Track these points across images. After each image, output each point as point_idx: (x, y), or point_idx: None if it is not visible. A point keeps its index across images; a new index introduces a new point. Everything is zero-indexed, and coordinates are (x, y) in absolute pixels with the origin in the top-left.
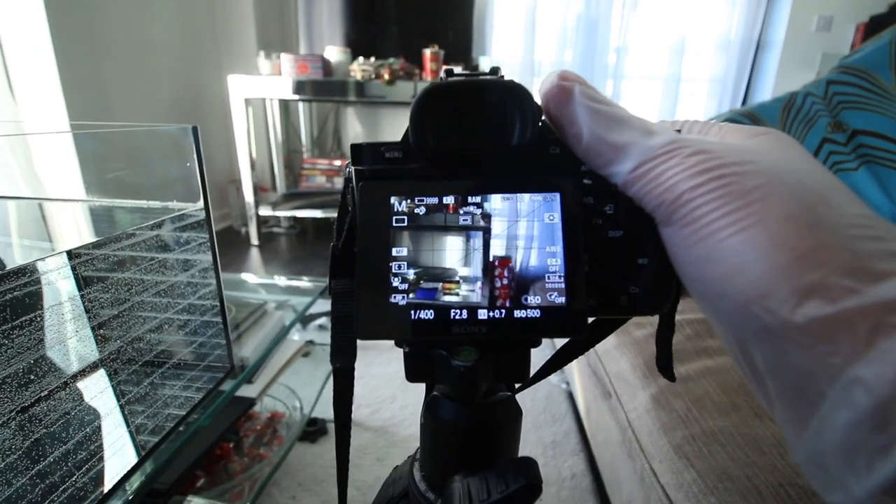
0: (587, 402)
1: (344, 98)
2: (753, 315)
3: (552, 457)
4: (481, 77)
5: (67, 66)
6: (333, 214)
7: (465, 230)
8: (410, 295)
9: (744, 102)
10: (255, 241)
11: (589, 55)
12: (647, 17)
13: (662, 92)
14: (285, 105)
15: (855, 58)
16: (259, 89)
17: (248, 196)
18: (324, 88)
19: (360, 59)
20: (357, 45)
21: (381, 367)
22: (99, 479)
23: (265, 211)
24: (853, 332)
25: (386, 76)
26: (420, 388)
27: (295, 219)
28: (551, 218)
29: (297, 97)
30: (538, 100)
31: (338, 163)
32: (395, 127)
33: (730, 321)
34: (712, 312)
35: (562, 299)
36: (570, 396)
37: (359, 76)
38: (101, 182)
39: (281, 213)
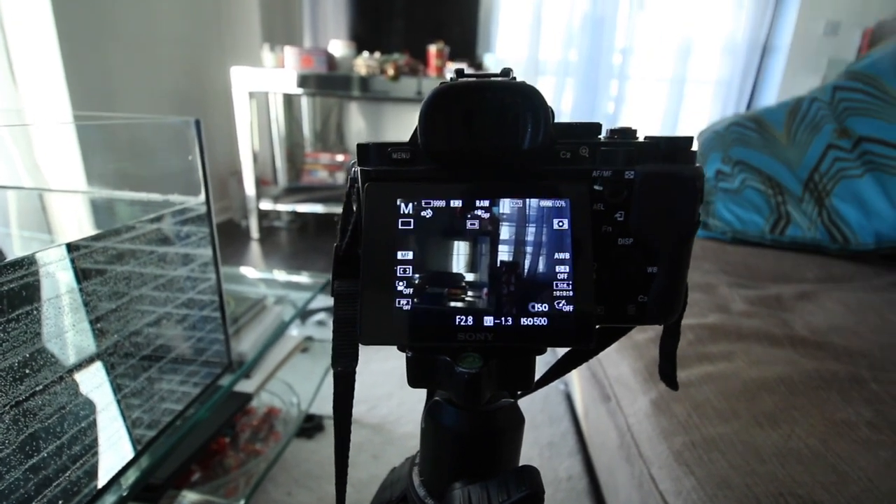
0: (585, 404)
1: (348, 93)
2: None
3: (548, 458)
4: (493, 79)
5: (71, 53)
6: (335, 210)
7: (473, 235)
8: (415, 300)
9: (748, 106)
10: (255, 234)
11: (594, 55)
12: (653, 17)
13: (668, 94)
14: (288, 98)
15: (863, 64)
16: (263, 82)
17: (250, 189)
18: (328, 83)
19: (365, 53)
20: (362, 39)
21: (378, 363)
22: (94, 472)
23: (266, 204)
24: None
25: (390, 72)
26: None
27: (296, 213)
28: (560, 224)
29: (300, 91)
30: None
31: (340, 158)
32: (398, 123)
33: None
34: None
35: (569, 307)
36: (568, 398)
37: (363, 71)
38: (103, 173)
39: (282, 207)
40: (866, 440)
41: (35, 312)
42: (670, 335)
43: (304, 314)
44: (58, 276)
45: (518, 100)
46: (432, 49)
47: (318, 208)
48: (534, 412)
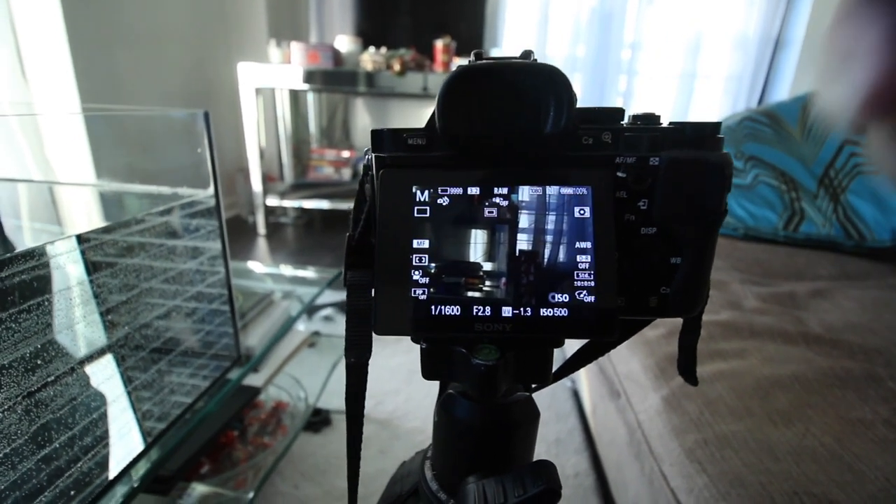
0: (593, 400)
1: (354, 89)
2: None
3: (555, 454)
4: (515, 60)
5: (80, 49)
6: (341, 205)
7: (491, 223)
8: (431, 289)
9: (760, 101)
10: (261, 230)
11: (602, 50)
12: (662, 12)
13: (677, 89)
14: (294, 94)
15: None
16: (269, 78)
17: (257, 185)
18: (334, 78)
19: (371, 49)
20: (368, 35)
21: (384, 359)
22: (105, 464)
23: (272, 200)
24: None
25: (397, 67)
26: (424, 381)
27: (302, 209)
28: (582, 212)
29: (307, 86)
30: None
31: (346, 154)
32: (404, 119)
33: None
34: None
35: (591, 298)
36: (575, 394)
37: (369, 67)
38: (112, 166)
39: (288, 203)
40: (883, 439)
41: (46, 304)
42: (691, 329)
43: (310, 309)
44: (68, 269)
45: (540, 82)
46: (438, 44)
47: (323, 204)
48: (540, 408)
